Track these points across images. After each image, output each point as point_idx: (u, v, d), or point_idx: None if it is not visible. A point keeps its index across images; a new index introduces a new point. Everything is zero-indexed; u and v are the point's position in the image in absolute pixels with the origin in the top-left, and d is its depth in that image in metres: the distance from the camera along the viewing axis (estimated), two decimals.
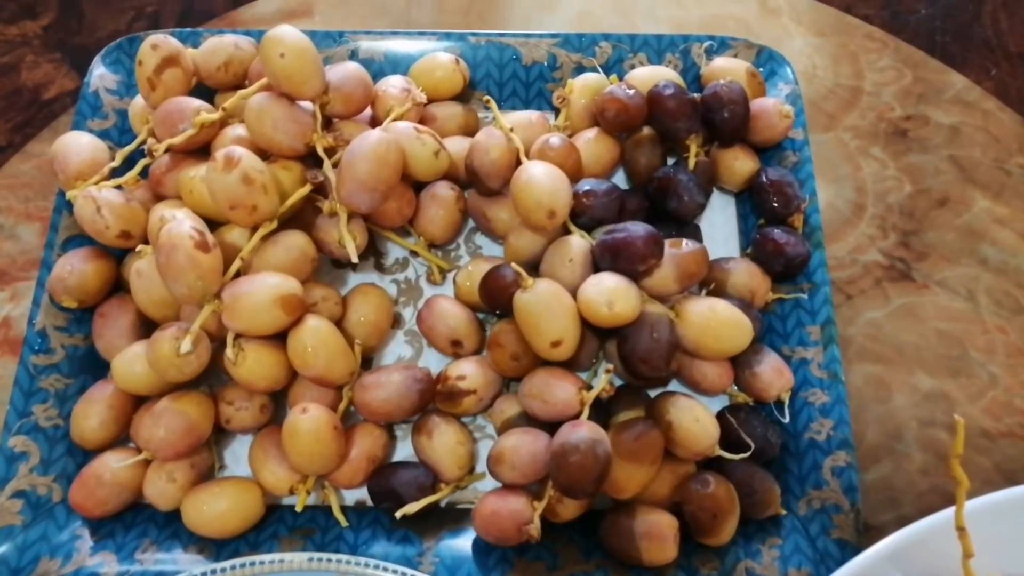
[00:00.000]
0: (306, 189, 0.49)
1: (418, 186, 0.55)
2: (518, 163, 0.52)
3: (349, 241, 0.49)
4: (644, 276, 0.48)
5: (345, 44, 0.59)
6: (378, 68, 0.59)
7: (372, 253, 0.56)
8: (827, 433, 0.50)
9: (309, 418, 0.45)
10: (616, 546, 0.46)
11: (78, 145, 0.52)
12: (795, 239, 0.52)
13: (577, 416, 0.47)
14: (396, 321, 0.55)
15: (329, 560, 0.45)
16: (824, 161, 0.61)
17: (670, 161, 0.58)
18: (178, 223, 0.44)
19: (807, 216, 0.55)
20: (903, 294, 0.57)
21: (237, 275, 0.47)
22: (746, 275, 0.53)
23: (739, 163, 0.56)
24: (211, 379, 0.51)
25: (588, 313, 0.46)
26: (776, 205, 0.54)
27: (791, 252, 0.52)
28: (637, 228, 0.47)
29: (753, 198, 0.56)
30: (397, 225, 0.54)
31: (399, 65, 0.59)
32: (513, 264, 0.47)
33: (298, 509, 0.48)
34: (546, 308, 0.46)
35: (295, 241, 0.49)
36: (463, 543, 0.48)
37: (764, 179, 0.54)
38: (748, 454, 0.47)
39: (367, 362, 0.53)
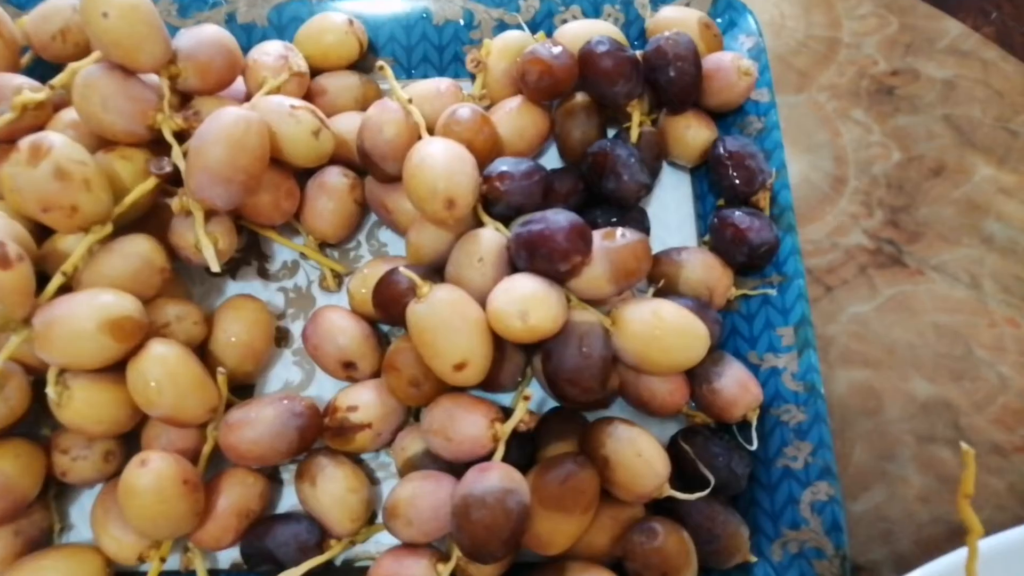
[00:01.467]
0: (150, 183, 0.40)
1: (306, 174, 0.45)
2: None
3: (207, 245, 0.40)
4: (570, 276, 0.39)
5: (219, 7, 0.49)
6: (261, 34, 0.49)
7: (255, 255, 0.47)
8: (805, 459, 0.41)
9: (148, 473, 0.36)
10: None
11: None
12: (760, 223, 0.43)
13: (489, 456, 0.37)
14: (283, 338, 0.45)
15: None
16: (796, 127, 0.51)
17: (611, 133, 0.48)
18: None
19: (775, 194, 0.45)
20: (893, 283, 0.48)
21: (68, 292, 0.38)
22: (702, 268, 0.43)
23: (692, 132, 0.46)
24: (53, 421, 0.41)
25: (498, 327, 0.37)
26: (737, 182, 0.44)
27: (755, 239, 0.42)
28: (558, 218, 0.38)
29: (711, 174, 0.46)
30: (277, 222, 0.44)
31: (286, 30, 0.49)
32: (402, 268, 0.37)
33: None
34: (444, 323, 0.36)
35: (136, 248, 0.39)
36: None
37: (721, 150, 0.45)
38: (708, 491, 0.38)
39: (247, 390, 0.44)
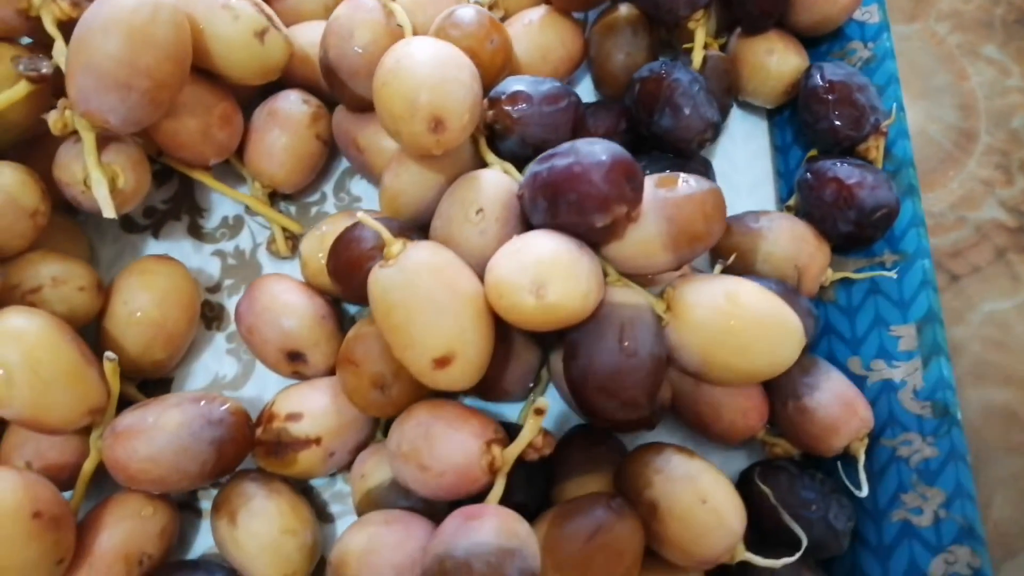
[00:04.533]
0: (19, 90, 0.29)
1: (253, 102, 0.34)
2: None
3: (98, 181, 0.28)
4: (610, 238, 0.27)
5: None
6: None
7: (187, 208, 0.35)
8: (934, 513, 0.28)
9: None
10: None
11: None
12: (874, 177, 0.31)
13: (483, 493, 0.25)
14: (216, 318, 0.34)
15: None
16: (909, 67, 0.39)
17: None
18: None
19: (889, 144, 0.33)
20: None
21: None
22: (790, 240, 0.31)
23: (776, 59, 0.35)
24: None
25: (502, 305, 0.25)
26: (839, 123, 0.32)
27: (868, 200, 0.30)
28: (594, 149, 0.26)
29: (800, 116, 0.34)
30: (210, 159, 0.33)
31: None
32: (361, 215, 0.26)
33: None
34: (423, 296, 0.25)
35: None
36: None
37: (819, 80, 0.33)
38: (798, 555, 0.26)
39: (161, 386, 0.33)
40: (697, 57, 0.34)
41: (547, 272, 0.24)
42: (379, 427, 0.31)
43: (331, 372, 0.31)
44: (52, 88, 0.29)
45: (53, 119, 0.28)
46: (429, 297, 0.25)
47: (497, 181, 0.28)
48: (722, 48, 0.36)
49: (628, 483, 0.27)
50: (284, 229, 0.34)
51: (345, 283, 0.28)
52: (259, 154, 0.33)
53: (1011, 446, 0.33)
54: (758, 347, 0.27)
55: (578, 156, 0.26)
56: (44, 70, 0.28)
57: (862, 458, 0.29)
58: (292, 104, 0.33)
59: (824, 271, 0.32)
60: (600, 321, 0.26)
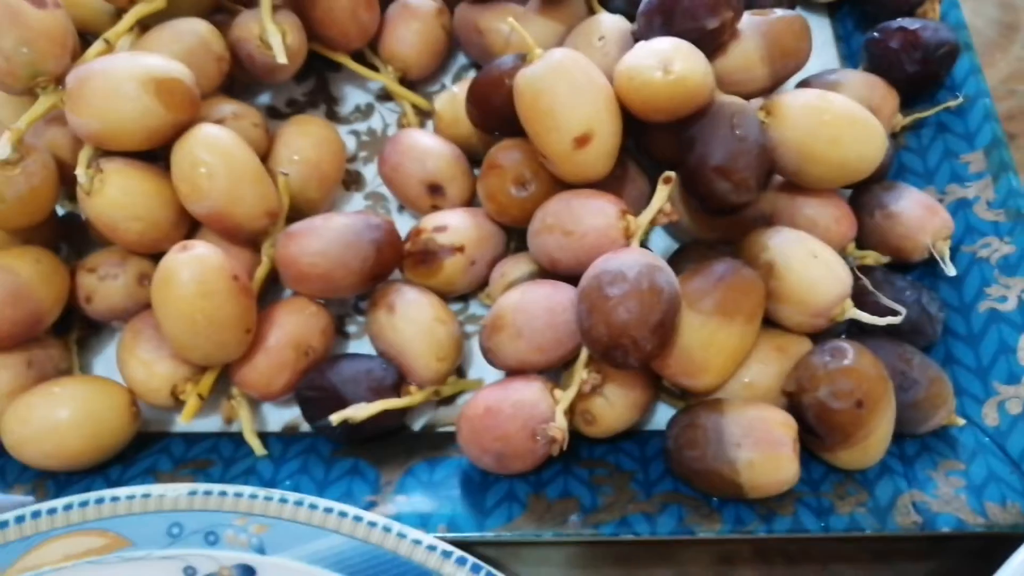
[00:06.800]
0: None
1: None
2: None
3: (274, 33, 0.33)
4: (716, 52, 0.31)
5: None
6: None
7: (324, 98, 0.40)
8: (1018, 297, 0.32)
9: (191, 259, 0.28)
10: (695, 466, 0.28)
11: None
12: (934, 24, 0.36)
13: None
14: (354, 181, 0.38)
15: (223, 495, 0.28)
16: None
17: None
18: None
19: (944, 15, 0.38)
20: None
21: None
22: (862, 87, 0.36)
23: None
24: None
25: (632, 87, 0.29)
26: None
27: (931, 39, 0.35)
28: None
29: (857, 3, 0.39)
30: (353, 41, 0.38)
31: None
32: (511, 19, 0.30)
33: (184, 419, 0.30)
34: (566, 82, 0.29)
35: (192, 26, 0.33)
36: (445, 477, 0.30)
37: None
38: (899, 319, 0.29)
39: None
40: None
41: (672, 53, 0.29)
42: (510, 248, 0.35)
43: (465, 205, 0.35)
44: None
45: None
46: (571, 81, 0.29)
47: (615, 18, 0.33)
48: None
49: (746, 253, 0.30)
50: (414, 106, 0.39)
51: (484, 105, 0.33)
52: (394, 41, 0.38)
53: None
54: (848, 138, 0.30)
55: None
56: None
57: (947, 253, 0.32)
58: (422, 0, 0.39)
59: (895, 113, 0.36)
60: (714, 114, 0.30)
